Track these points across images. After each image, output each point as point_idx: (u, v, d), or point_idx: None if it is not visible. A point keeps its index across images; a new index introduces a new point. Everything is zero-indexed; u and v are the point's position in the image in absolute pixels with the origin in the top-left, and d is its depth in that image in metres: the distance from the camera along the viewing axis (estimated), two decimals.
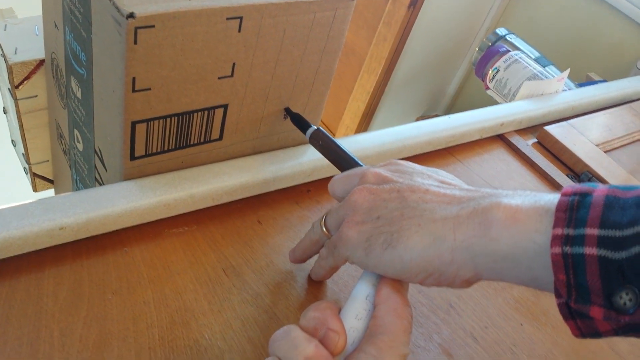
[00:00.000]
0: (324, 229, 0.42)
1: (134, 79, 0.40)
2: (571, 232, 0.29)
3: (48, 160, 0.71)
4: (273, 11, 0.43)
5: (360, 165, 0.48)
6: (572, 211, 0.30)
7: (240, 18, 0.42)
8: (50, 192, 0.76)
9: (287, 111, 0.53)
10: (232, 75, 0.46)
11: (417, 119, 1.67)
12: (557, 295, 0.30)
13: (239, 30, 0.43)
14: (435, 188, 0.37)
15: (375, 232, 0.36)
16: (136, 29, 0.38)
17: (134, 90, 0.41)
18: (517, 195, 0.33)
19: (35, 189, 0.74)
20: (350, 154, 0.49)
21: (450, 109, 1.68)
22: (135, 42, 0.38)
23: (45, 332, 0.39)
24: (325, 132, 0.51)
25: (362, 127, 1.52)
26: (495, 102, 0.94)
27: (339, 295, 0.48)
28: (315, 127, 0.51)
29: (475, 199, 0.35)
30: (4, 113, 0.76)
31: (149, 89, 0.42)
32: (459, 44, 1.53)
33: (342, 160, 0.49)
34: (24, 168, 0.75)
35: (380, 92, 1.48)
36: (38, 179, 0.73)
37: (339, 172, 0.48)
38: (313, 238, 0.44)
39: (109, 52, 0.41)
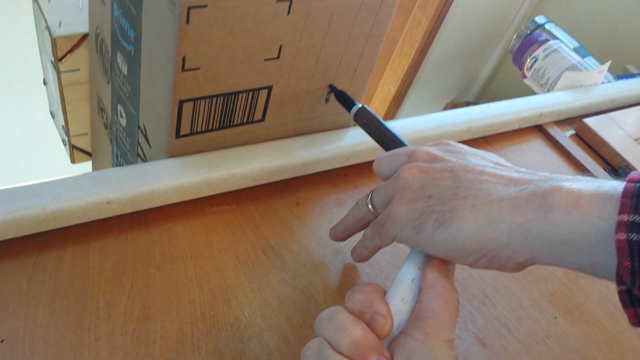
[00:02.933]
0: (370, 206, 0.41)
1: (184, 58, 0.41)
2: (638, 218, 0.29)
3: (87, 133, 0.72)
4: None
5: (406, 145, 0.47)
6: (638, 198, 0.29)
7: (290, 0, 0.42)
8: (87, 164, 0.77)
9: (332, 88, 0.52)
10: (278, 57, 0.46)
11: (447, 105, 1.66)
12: (619, 282, 0.30)
13: (288, 13, 0.43)
14: (490, 169, 0.37)
15: (427, 210, 0.36)
16: (189, 8, 0.38)
17: (183, 70, 0.41)
18: (578, 180, 0.33)
19: (73, 161, 0.76)
20: (396, 134, 0.48)
21: (481, 96, 1.66)
22: (187, 22, 0.38)
23: (91, 303, 0.40)
24: (370, 110, 0.50)
25: (391, 110, 1.52)
26: (531, 91, 0.92)
27: (375, 280, 0.48)
28: (360, 105, 0.51)
29: (534, 182, 0.34)
30: (44, 84, 0.77)
31: (198, 68, 0.42)
32: (494, 31, 1.50)
33: (387, 139, 0.48)
34: (63, 139, 0.76)
35: (411, 76, 1.47)
36: (76, 151, 0.74)
37: (382, 152, 0.48)
38: (357, 215, 0.43)
39: (159, 31, 0.41)
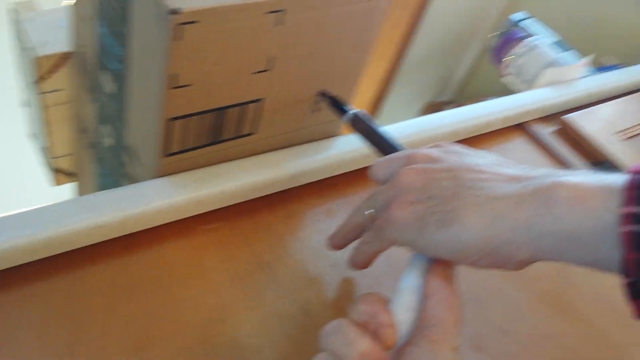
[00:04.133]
0: (369, 211, 0.40)
1: (175, 75, 0.40)
2: None
3: (70, 154, 0.71)
4: (313, 3, 0.43)
5: (402, 149, 0.46)
6: None
7: (281, 11, 0.42)
8: (69, 187, 0.76)
9: (324, 94, 0.52)
10: (268, 69, 0.45)
11: (426, 105, 1.66)
12: (626, 274, 0.30)
13: (279, 24, 0.42)
14: (490, 167, 0.37)
15: (429, 211, 0.35)
16: (179, 24, 0.37)
17: (174, 87, 0.41)
18: (579, 174, 0.33)
19: (55, 183, 0.74)
20: (392, 138, 0.48)
21: (459, 95, 1.67)
22: (178, 39, 0.38)
23: (84, 332, 0.39)
24: (364, 115, 0.50)
25: (371, 112, 1.52)
26: (510, 89, 0.93)
27: (372, 290, 0.48)
28: (354, 111, 0.50)
29: (536, 178, 0.34)
30: (24, 106, 0.75)
31: (189, 85, 0.41)
32: (471, 28, 1.51)
33: (383, 144, 0.48)
34: (44, 162, 0.75)
35: (390, 78, 1.47)
36: (59, 173, 0.73)
37: (376, 158, 0.47)
38: (356, 221, 0.42)
39: (149, 48, 0.41)
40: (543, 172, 0.35)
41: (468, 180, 0.36)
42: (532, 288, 0.53)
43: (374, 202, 0.40)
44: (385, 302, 0.35)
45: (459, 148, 0.40)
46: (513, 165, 0.37)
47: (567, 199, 0.32)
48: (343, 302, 0.46)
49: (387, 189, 0.39)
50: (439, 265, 0.36)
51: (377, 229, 0.39)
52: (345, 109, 0.51)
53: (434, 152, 0.39)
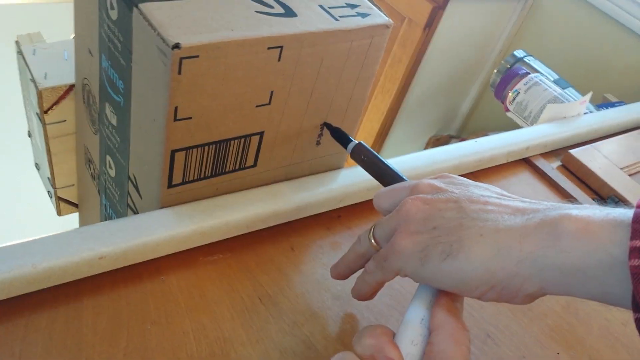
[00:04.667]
0: (373, 240, 0.40)
1: (176, 108, 0.40)
2: None
3: (74, 185, 0.71)
4: (312, 40, 0.44)
5: (406, 180, 0.46)
6: None
7: (281, 47, 0.42)
8: (74, 216, 0.76)
9: (327, 125, 0.52)
10: (269, 103, 0.46)
11: (430, 140, 1.67)
12: (636, 309, 0.29)
13: (279, 60, 0.43)
14: (495, 199, 0.36)
15: (432, 242, 0.35)
16: (181, 59, 0.38)
17: (175, 120, 0.41)
18: (586, 208, 0.33)
19: (59, 213, 0.74)
20: (395, 169, 0.47)
21: (462, 130, 1.68)
22: (179, 72, 0.38)
23: None
24: (367, 146, 0.50)
25: (376, 146, 1.52)
26: (513, 124, 0.93)
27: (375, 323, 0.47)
28: (357, 142, 0.50)
29: (541, 211, 0.34)
30: (29, 136, 0.76)
31: (190, 118, 0.42)
32: (473, 65, 1.53)
33: (386, 175, 0.47)
34: (48, 191, 0.75)
35: (394, 113, 1.48)
36: (63, 203, 0.73)
37: (379, 189, 0.47)
38: (359, 251, 0.42)
39: (150, 82, 0.41)
40: (548, 205, 0.35)
41: (473, 211, 0.35)
42: (539, 324, 0.52)
43: (378, 232, 0.40)
44: (391, 335, 0.34)
45: (463, 179, 0.40)
46: (517, 198, 0.37)
47: (573, 232, 0.31)
48: (347, 336, 0.45)
49: (390, 218, 0.38)
50: (445, 297, 0.36)
51: (380, 259, 0.38)
52: (349, 139, 0.51)
53: (438, 182, 0.39)
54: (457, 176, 0.41)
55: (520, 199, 0.37)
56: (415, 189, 0.39)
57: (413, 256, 0.35)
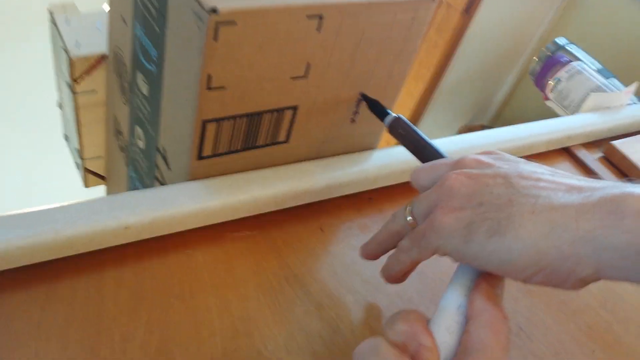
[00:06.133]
0: (410, 217, 0.37)
1: (209, 76, 0.39)
2: None
3: (101, 157, 0.71)
4: (354, 10, 0.41)
5: (445, 157, 0.43)
6: None
7: (321, 16, 0.40)
8: (101, 189, 0.76)
9: (364, 97, 0.49)
10: (305, 75, 0.44)
11: (462, 128, 1.64)
12: None
13: (318, 30, 0.41)
14: (548, 176, 0.34)
15: (478, 218, 0.32)
16: (217, 24, 0.36)
17: (208, 89, 0.39)
18: None
19: (86, 185, 0.74)
20: (435, 145, 0.45)
21: (497, 119, 1.64)
22: (215, 39, 0.37)
23: (106, 336, 0.38)
24: (406, 120, 0.47)
25: None
26: (550, 115, 0.90)
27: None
28: (396, 115, 0.48)
29: (600, 189, 0.31)
30: (59, 107, 0.75)
31: (223, 87, 0.40)
32: (511, 52, 1.49)
33: (425, 151, 0.45)
34: (76, 163, 0.75)
35: (426, 99, 1.45)
36: (90, 175, 0.72)
37: (411, 170, 0.45)
38: (393, 229, 0.39)
39: (185, 49, 0.39)
40: (607, 183, 0.32)
41: (524, 187, 0.33)
42: (575, 320, 0.50)
43: (415, 208, 0.37)
44: (425, 322, 0.32)
45: (512, 156, 0.37)
46: (572, 176, 0.34)
47: (638, 211, 0.29)
48: (375, 321, 0.44)
49: (431, 193, 0.36)
50: (484, 282, 0.33)
51: (418, 236, 0.36)
52: (386, 112, 0.49)
53: (485, 158, 0.36)
54: (503, 153, 0.38)
55: (575, 176, 0.34)
56: (459, 164, 0.36)
57: (456, 233, 0.33)
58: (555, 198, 0.32)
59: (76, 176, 0.76)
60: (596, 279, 0.31)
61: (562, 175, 0.34)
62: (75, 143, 0.70)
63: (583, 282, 0.31)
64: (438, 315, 0.33)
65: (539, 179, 0.33)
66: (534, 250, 0.31)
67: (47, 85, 0.83)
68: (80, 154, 0.70)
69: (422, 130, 0.46)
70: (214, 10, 0.35)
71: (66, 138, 0.77)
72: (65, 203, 0.41)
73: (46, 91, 0.87)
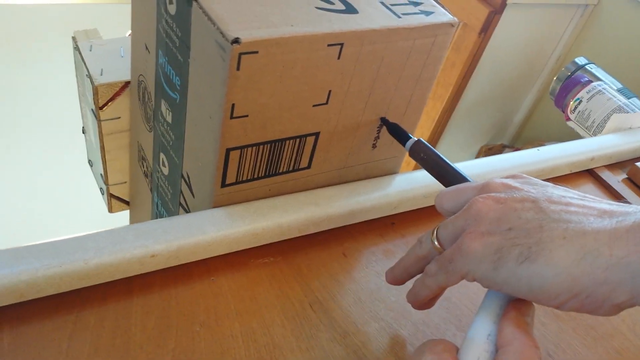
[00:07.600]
0: (436, 242, 0.37)
1: (233, 105, 0.39)
2: None
3: (126, 182, 0.71)
4: (373, 38, 0.42)
5: (469, 181, 0.43)
6: None
7: (341, 45, 0.41)
8: (125, 214, 0.76)
9: (384, 121, 0.49)
10: (326, 102, 0.44)
11: (482, 148, 1.63)
12: None
13: (339, 57, 0.41)
14: (577, 200, 0.33)
15: (507, 243, 0.32)
16: (240, 54, 0.37)
17: (232, 117, 0.40)
18: None
19: (110, 210, 0.75)
20: (458, 168, 0.44)
21: (516, 139, 1.63)
22: (237, 68, 0.37)
23: None
24: (427, 143, 0.47)
25: None
26: (570, 134, 0.89)
27: (434, 338, 0.45)
28: (416, 139, 0.48)
29: (632, 213, 0.31)
30: (83, 133, 0.77)
31: (247, 115, 0.40)
32: (529, 72, 1.48)
33: (447, 174, 0.44)
34: (100, 188, 0.76)
35: (445, 120, 1.45)
36: (115, 200, 0.73)
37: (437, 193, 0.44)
38: (420, 254, 0.39)
39: (208, 78, 0.40)
40: (639, 207, 0.32)
41: (554, 212, 0.32)
42: (605, 345, 0.49)
43: (442, 233, 0.37)
44: (454, 351, 0.32)
45: (539, 180, 0.37)
46: (602, 200, 0.34)
47: None
48: (401, 349, 0.43)
49: (457, 218, 0.35)
50: (513, 310, 0.33)
51: (445, 261, 0.35)
52: (407, 135, 0.49)
53: (512, 182, 0.36)
54: (530, 177, 0.38)
55: (605, 200, 0.34)
56: (486, 188, 0.36)
57: (485, 259, 0.32)
58: (587, 223, 0.31)
59: (100, 201, 0.77)
60: (632, 305, 0.30)
61: (592, 199, 0.34)
62: (100, 169, 0.71)
63: (618, 308, 0.30)
64: (467, 345, 0.33)
65: (569, 204, 0.33)
66: (567, 276, 0.30)
67: (73, 111, 0.85)
68: (104, 179, 0.70)
69: (442, 151, 0.46)
70: (236, 41, 0.36)
71: (90, 163, 0.78)
72: (92, 232, 0.41)
73: (72, 116, 0.89)
